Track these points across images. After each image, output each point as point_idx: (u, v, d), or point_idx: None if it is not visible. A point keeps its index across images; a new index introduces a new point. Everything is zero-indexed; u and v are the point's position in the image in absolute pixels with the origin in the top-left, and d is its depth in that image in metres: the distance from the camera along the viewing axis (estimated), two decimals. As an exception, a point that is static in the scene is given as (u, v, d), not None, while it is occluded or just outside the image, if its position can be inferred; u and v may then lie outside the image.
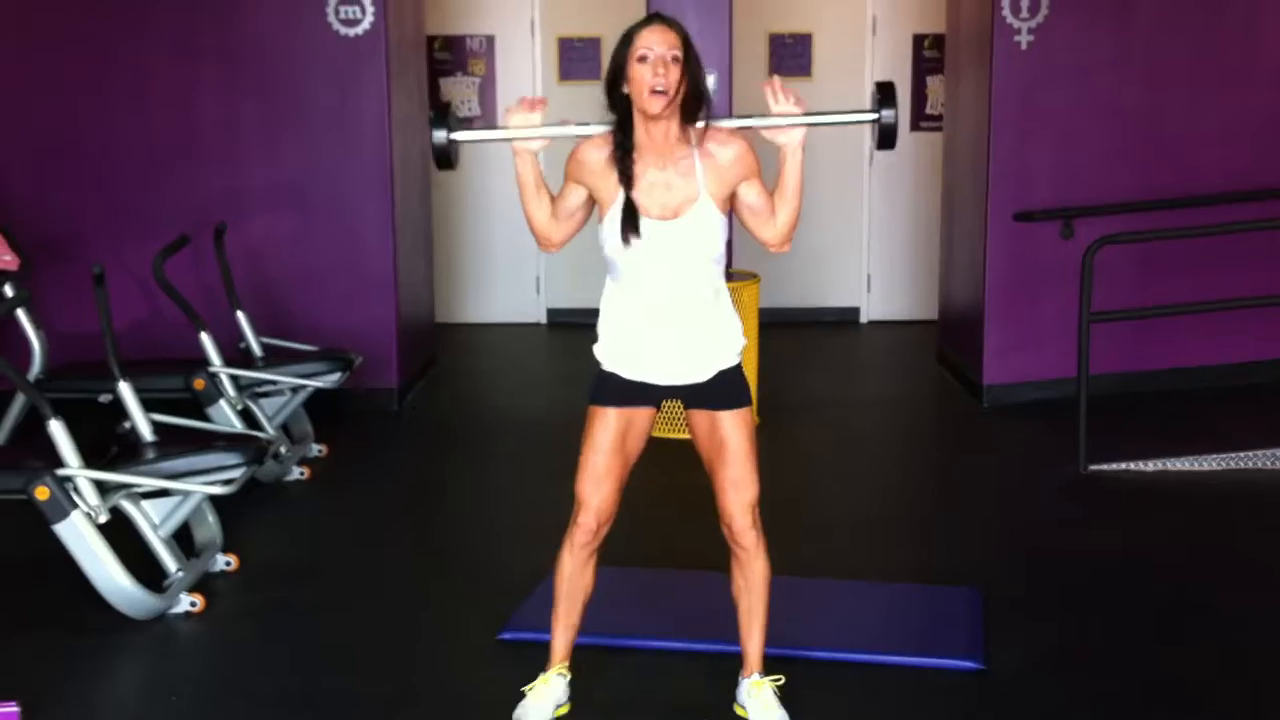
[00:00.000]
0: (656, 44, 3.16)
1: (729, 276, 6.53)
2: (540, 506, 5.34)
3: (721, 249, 3.28)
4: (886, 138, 3.31)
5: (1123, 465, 5.65)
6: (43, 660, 3.86)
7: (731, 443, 3.32)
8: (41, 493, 3.96)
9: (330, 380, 5.75)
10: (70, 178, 6.60)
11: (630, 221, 3.20)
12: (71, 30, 6.58)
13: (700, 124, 3.24)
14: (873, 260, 9.39)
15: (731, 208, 3.30)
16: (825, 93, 9.21)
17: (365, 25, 6.51)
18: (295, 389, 5.73)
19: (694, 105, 3.21)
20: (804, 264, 9.28)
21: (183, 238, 5.71)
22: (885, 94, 3.29)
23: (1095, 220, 6.52)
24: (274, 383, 5.67)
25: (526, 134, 3.25)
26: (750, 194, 3.28)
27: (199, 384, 5.37)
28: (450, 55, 9.13)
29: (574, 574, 3.39)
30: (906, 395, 7.45)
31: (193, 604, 4.18)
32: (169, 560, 4.25)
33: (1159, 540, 4.89)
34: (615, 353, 3.35)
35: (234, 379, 5.51)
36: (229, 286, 5.91)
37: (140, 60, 6.59)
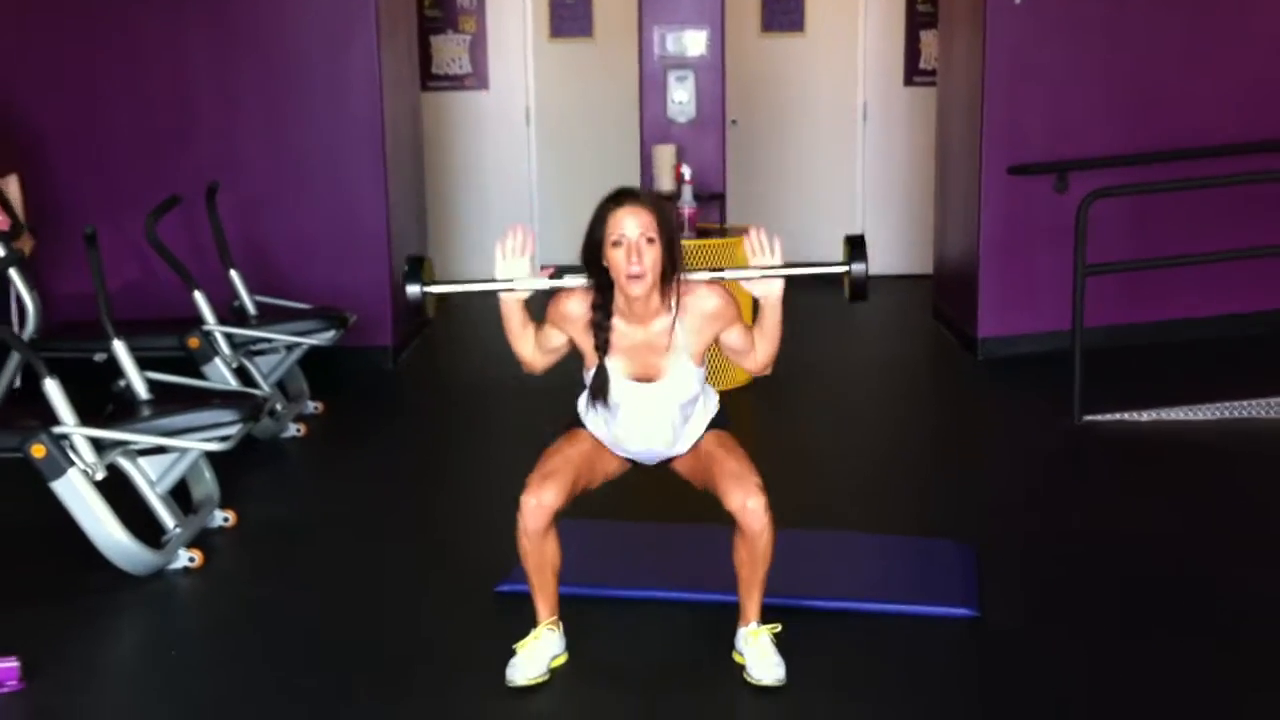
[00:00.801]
0: (630, 228, 3.22)
1: (723, 233, 6.55)
2: (534, 460, 5.35)
3: (699, 389, 3.41)
4: (856, 290, 3.39)
5: (1117, 416, 5.67)
6: (42, 616, 3.88)
7: (718, 455, 3.41)
8: (38, 450, 3.96)
9: (324, 338, 5.75)
10: (63, 140, 6.58)
11: (601, 389, 3.35)
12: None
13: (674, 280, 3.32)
14: (867, 215, 9.38)
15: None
16: (817, 49, 9.19)
17: (355, -18, 6.47)
18: (290, 347, 5.73)
19: (670, 271, 3.29)
20: (798, 220, 9.27)
21: (173, 198, 5.69)
22: (855, 248, 3.38)
23: (1089, 174, 6.51)
24: (268, 340, 5.67)
25: (507, 286, 3.35)
26: (732, 338, 3.39)
27: (194, 342, 5.37)
28: (441, 13, 9.08)
29: (533, 551, 3.43)
30: (901, 350, 7.46)
31: (191, 560, 4.20)
32: (167, 517, 4.26)
33: (1154, 490, 4.91)
34: (596, 434, 3.52)
35: (229, 337, 5.51)
36: (222, 246, 5.90)
37: (132, 23, 6.56)
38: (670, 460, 3.53)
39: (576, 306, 3.38)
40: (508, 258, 3.36)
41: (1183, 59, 6.79)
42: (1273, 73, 6.88)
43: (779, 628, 3.46)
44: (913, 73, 9.16)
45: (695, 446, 3.48)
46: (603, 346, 3.35)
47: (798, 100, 9.23)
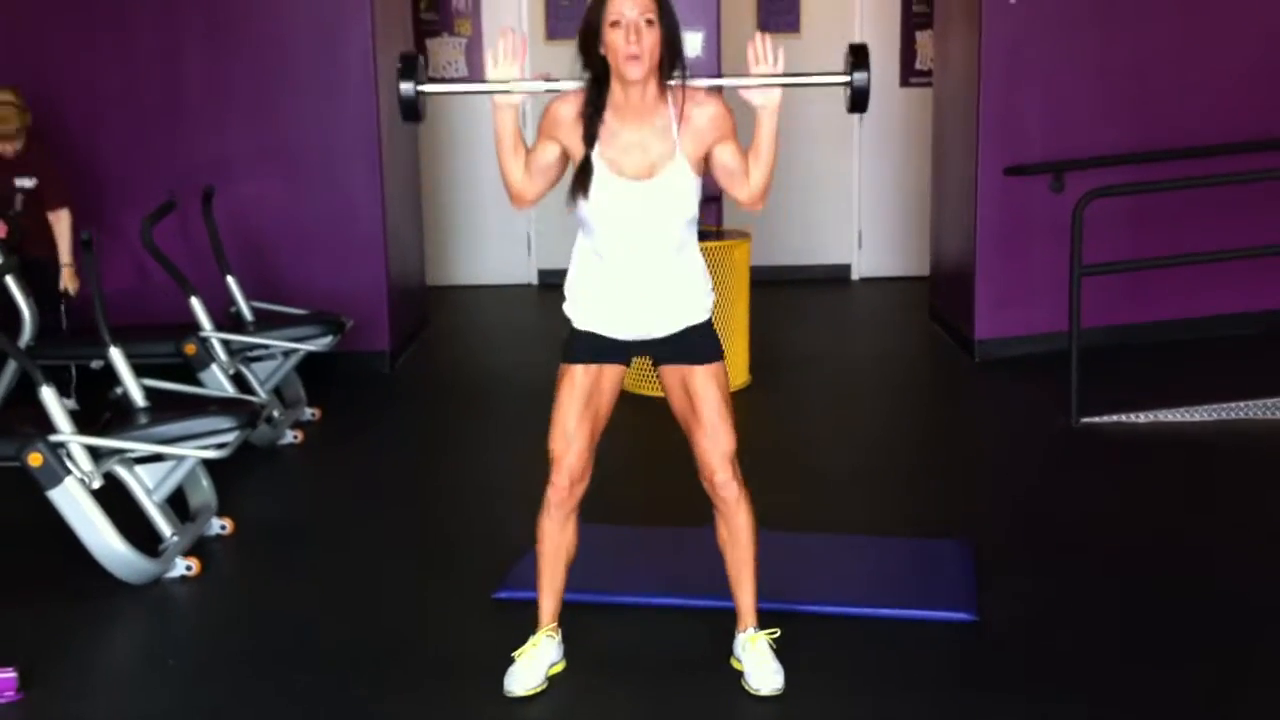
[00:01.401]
0: (629, 8, 3.13)
1: (720, 235, 6.54)
2: (533, 467, 5.32)
3: (694, 209, 3.28)
4: (858, 100, 3.33)
5: (1114, 418, 5.67)
6: (39, 625, 3.88)
7: (704, 397, 3.32)
8: (35, 459, 3.96)
9: (322, 344, 5.75)
10: (56, 144, 6.55)
11: (583, 181, 3.21)
12: (54, -6, 6.54)
13: (677, 83, 3.22)
14: (863, 217, 9.37)
15: (707, 168, 3.29)
16: (813, 49, 9.17)
17: (350, -14, 6.46)
18: (287, 353, 5.73)
19: (670, 64, 3.19)
20: (795, 221, 9.27)
21: (169, 202, 5.69)
22: (858, 57, 3.32)
23: (1085, 173, 6.51)
24: (265, 347, 5.67)
25: (501, 88, 3.22)
26: (725, 154, 3.27)
27: (190, 349, 5.36)
28: (436, 15, 9.07)
29: (554, 534, 3.41)
30: (898, 351, 7.46)
31: (188, 568, 4.19)
32: (163, 525, 4.26)
33: (1151, 492, 4.91)
34: (583, 309, 3.36)
35: (225, 343, 5.50)
36: (218, 251, 5.89)
37: (126, 26, 6.54)
38: (661, 359, 3.37)
39: (569, 109, 3.24)
40: (499, 62, 3.23)
41: (1179, 58, 6.78)
42: (1269, 71, 6.88)
43: (777, 633, 3.46)
44: (908, 73, 9.16)
45: (685, 361, 3.32)
46: (590, 138, 3.19)
47: (793, 101, 9.12)
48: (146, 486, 4.26)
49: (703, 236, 6.35)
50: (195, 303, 5.51)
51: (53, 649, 3.71)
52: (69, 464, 4.01)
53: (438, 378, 6.92)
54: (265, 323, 5.81)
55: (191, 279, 5.60)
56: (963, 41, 6.94)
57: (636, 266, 3.28)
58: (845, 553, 4.31)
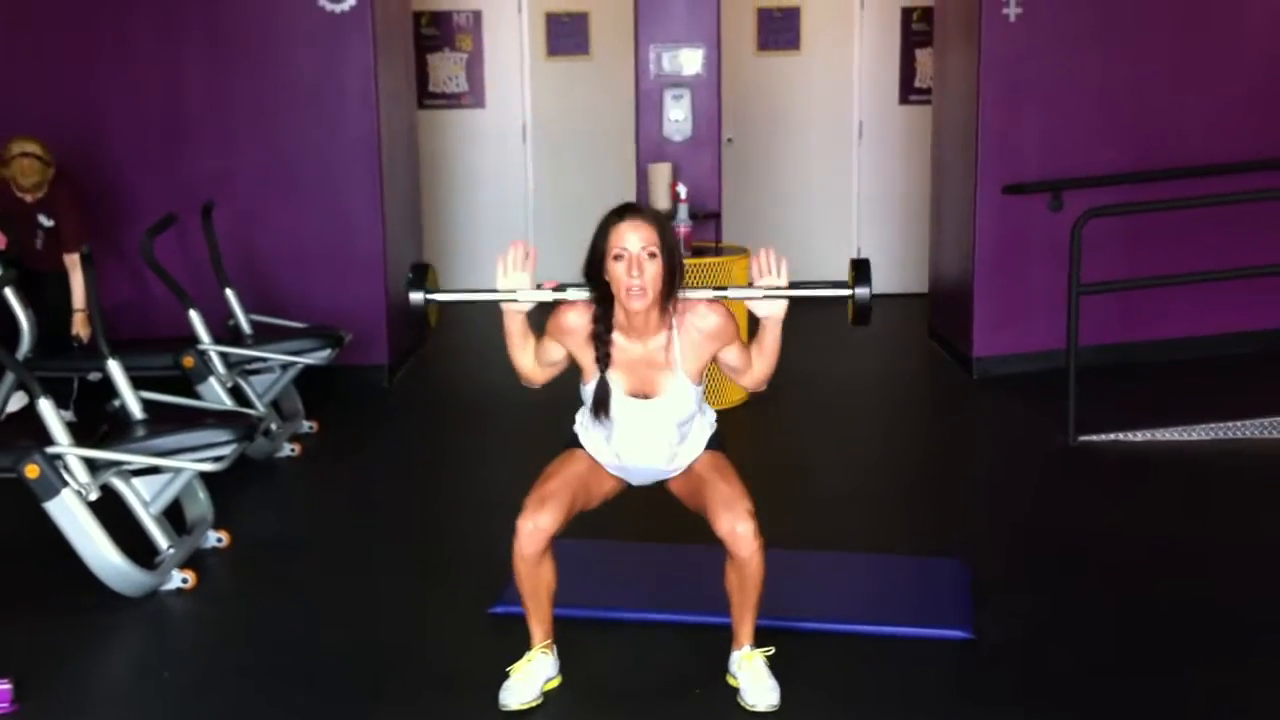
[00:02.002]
0: (632, 242, 3.22)
1: (719, 251, 6.55)
2: (530, 483, 5.34)
3: (694, 408, 3.39)
4: (860, 314, 3.43)
5: (1112, 436, 5.67)
6: (35, 637, 3.87)
7: (710, 474, 3.40)
8: (32, 471, 3.96)
9: (320, 357, 5.75)
10: (57, 158, 6.57)
11: (603, 405, 3.34)
12: (56, 10, 6.55)
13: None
14: (862, 233, 9.39)
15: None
16: (813, 68, 9.21)
17: (351, 1, 6.48)
18: (285, 366, 5.73)
19: (670, 290, 3.28)
20: (794, 238, 9.28)
21: (169, 216, 5.70)
22: (859, 271, 3.41)
23: (1084, 192, 6.52)
24: (263, 360, 5.67)
25: (509, 297, 3.33)
26: (730, 356, 3.39)
27: (188, 362, 5.36)
28: (437, 31, 9.10)
29: (529, 574, 3.42)
30: (897, 369, 7.46)
31: (184, 581, 4.19)
32: (160, 537, 4.25)
33: (1148, 510, 4.91)
34: (592, 450, 3.51)
35: (223, 356, 5.51)
36: (217, 264, 5.90)
37: (128, 40, 6.57)
38: (666, 480, 3.53)
39: (577, 319, 3.36)
40: (509, 271, 3.35)
41: (1177, 77, 6.81)
42: (1267, 91, 6.91)
43: (772, 650, 3.45)
44: (908, 91, 9.19)
45: (690, 467, 3.47)
46: (603, 360, 3.33)
47: (793, 119, 9.25)
48: (143, 499, 4.26)
49: (701, 253, 6.41)
50: (194, 316, 5.51)
51: (48, 660, 3.71)
52: (66, 476, 4.01)
53: (435, 392, 6.92)
54: (264, 336, 5.82)
55: (190, 292, 5.61)
56: (962, 60, 6.96)
57: (641, 451, 3.43)
58: (843, 570, 4.31)
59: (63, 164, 5.93)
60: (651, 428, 3.38)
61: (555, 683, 3.49)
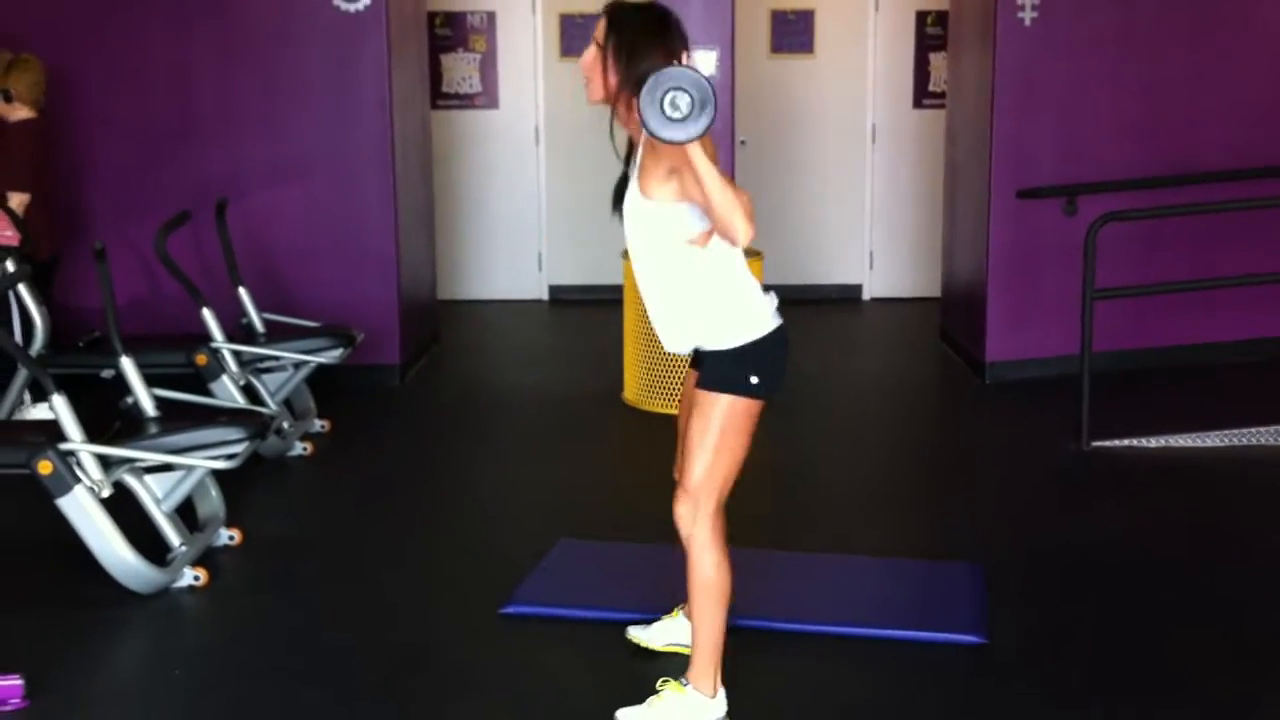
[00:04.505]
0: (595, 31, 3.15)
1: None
2: (541, 483, 5.35)
3: (664, 237, 3.12)
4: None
5: (1125, 442, 5.65)
6: (46, 634, 3.87)
7: (693, 423, 3.20)
8: (44, 467, 3.96)
9: (332, 356, 5.76)
10: (72, 156, 6.59)
11: (616, 197, 3.24)
12: (70, 8, 6.56)
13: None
14: (875, 237, 9.38)
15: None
16: (826, 71, 9.20)
17: (366, 1, 6.49)
18: (297, 365, 5.74)
19: (622, 83, 3.09)
20: (807, 241, 9.29)
21: (184, 214, 5.70)
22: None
23: (1098, 197, 6.50)
24: (276, 358, 5.67)
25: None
26: (687, 183, 3.02)
27: (201, 359, 5.37)
28: (451, 31, 9.10)
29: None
30: (909, 372, 7.45)
31: (196, 578, 4.19)
32: (172, 534, 4.26)
33: (1161, 517, 4.89)
34: None
35: (236, 354, 5.51)
36: (231, 262, 5.91)
37: (140, 39, 6.58)
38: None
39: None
40: None
41: (1193, 82, 6.79)
42: (1283, 97, 6.89)
43: (686, 687, 3.28)
44: (922, 95, 9.18)
45: (698, 383, 3.21)
46: (627, 156, 3.25)
47: (807, 121, 9.24)
48: (156, 496, 4.27)
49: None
50: (207, 314, 5.52)
51: (59, 657, 3.71)
52: (79, 472, 4.02)
53: (447, 392, 6.93)
54: (276, 335, 5.82)
55: (204, 290, 5.61)
56: (976, 64, 6.95)
57: (641, 279, 3.25)
58: (855, 574, 4.30)
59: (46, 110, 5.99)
60: (633, 240, 3.19)
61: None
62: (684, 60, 3.10)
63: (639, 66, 3.03)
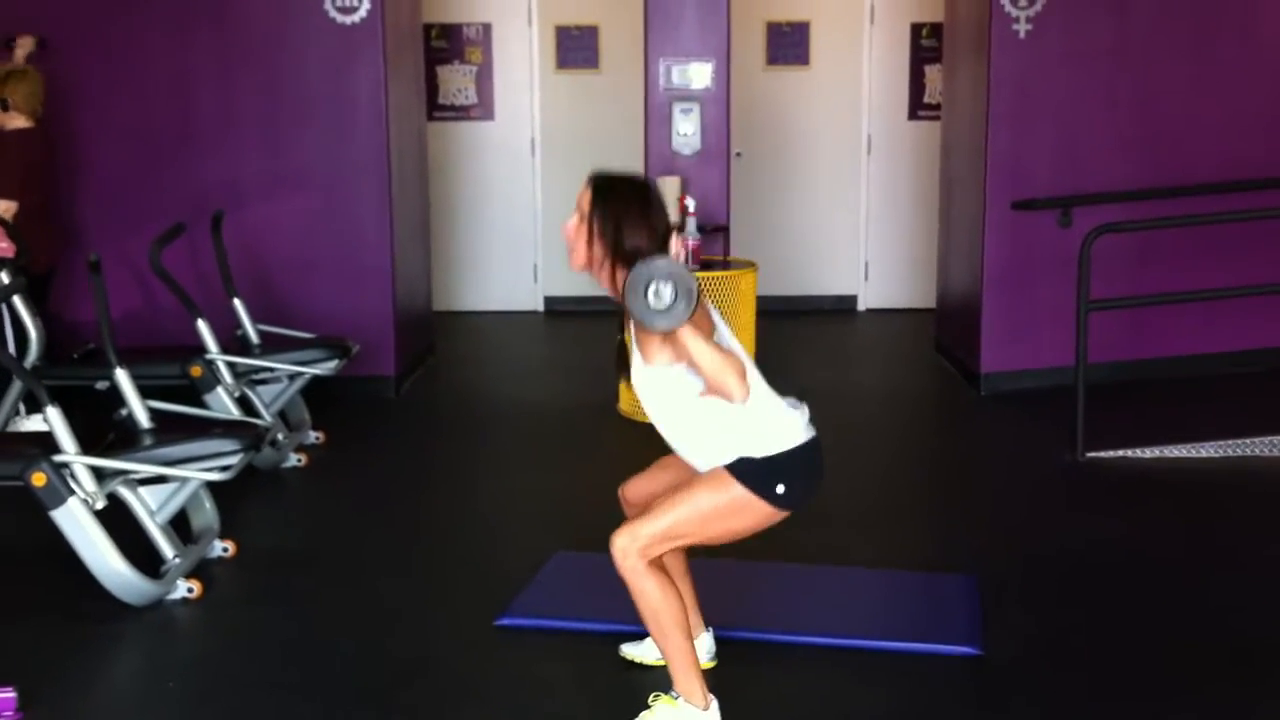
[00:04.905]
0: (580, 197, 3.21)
1: (727, 264, 6.55)
2: (537, 494, 5.35)
3: (675, 394, 3.18)
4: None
5: (1120, 452, 5.65)
6: (40, 646, 3.86)
7: (695, 485, 3.21)
8: (38, 479, 3.96)
9: (327, 368, 5.75)
10: (67, 167, 6.59)
11: (622, 366, 3.32)
12: (66, 19, 6.57)
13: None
14: (870, 248, 9.39)
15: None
16: (822, 83, 9.22)
17: (362, 13, 6.50)
18: (292, 376, 5.73)
19: (606, 254, 3.17)
20: (802, 252, 9.30)
21: (178, 226, 5.70)
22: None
23: (1093, 209, 6.51)
24: (271, 370, 5.67)
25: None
26: (670, 348, 3.13)
27: (196, 371, 5.36)
28: (447, 43, 9.12)
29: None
30: (904, 383, 7.45)
31: (190, 590, 4.18)
32: (166, 546, 4.25)
33: (1156, 527, 4.89)
34: None
35: (231, 366, 5.51)
36: (226, 274, 5.91)
37: (137, 50, 6.59)
38: None
39: None
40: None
41: (1188, 94, 6.80)
42: (1278, 108, 6.89)
43: (678, 700, 3.28)
44: (917, 107, 9.20)
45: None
46: (620, 325, 3.31)
47: (802, 133, 9.25)
48: (150, 508, 4.26)
49: (709, 266, 6.41)
50: (202, 325, 5.52)
51: (53, 669, 3.70)
52: (73, 484, 4.01)
53: (443, 403, 6.92)
54: (271, 346, 5.82)
55: (199, 302, 5.61)
56: (971, 76, 6.96)
57: (660, 426, 3.30)
58: (850, 585, 4.29)
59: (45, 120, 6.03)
60: (643, 399, 3.26)
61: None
62: (666, 232, 3.21)
63: (624, 244, 3.14)
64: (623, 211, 3.17)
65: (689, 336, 3.03)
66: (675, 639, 3.19)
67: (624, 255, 3.11)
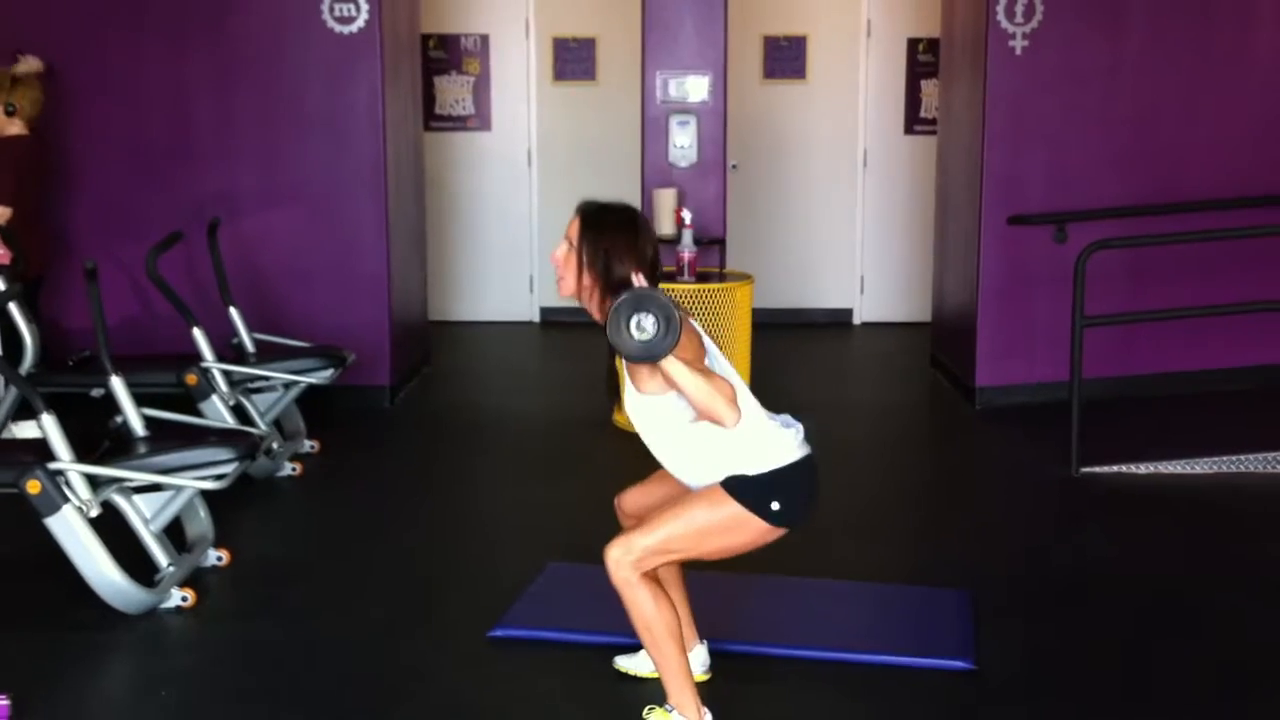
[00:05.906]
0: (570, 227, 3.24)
1: (723, 277, 6.55)
2: (530, 505, 5.34)
3: (668, 420, 3.20)
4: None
5: (1114, 468, 5.66)
6: (33, 654, 3.85)
7: (693, 500, 3.22)
8: (33, 486, 3.95)
9: (323, 377, 5.75)
10: (64, 176, 6.59)
11: (614, 391, 3.34)
12: (64, 27, 6.57)
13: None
14: (866, 262, 9.40)
15: None
16: (819, 96, 9.24)
17: (359, 23, 6.51)
18: (287, 385, 5.73)
19: (597, 285, 3.20)
20: (798, 265, 9.31)
21: (175, 234, 5.71)
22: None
23: (1088, 225, 6.53)
24: (266, 378, 5.67)
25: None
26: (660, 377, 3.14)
27: (191, 379, 5.36)
28: (445, 54, 9.13)
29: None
30: (899, 397, 7.46)
31: (184, 599, 4.17)
32: (160, 555, 4.24)
33: (1151, 543, 4.90)
34: None
35: (226, 374, 5.50)
36: (222, 283, 5.91)
37: (134, 59, 6.59)
38: None
39: None
40: None
41: (1183, 111, 6.82)
42: (1273, 125, 6.91)
43: (672, 713, 3.28)
44: (913, 121, 9.22)
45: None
46: (612, 354, 3.29)
47: (799, 147, 9.27)
48: (144, 516, 4.25)
49: (705, 278, 6.41)
50: (197, 333, 5.51)
51: (46, 677, 3.69)
52: (67, 492, 4.00)
53: (438, 413, 6.92)
54: (267, 355, 5.82)
55: (195, 310, 5.61)
56: (967, 91, 6.98)
57: (655, 450, 3.32)
58: (844, 599, 4.29)
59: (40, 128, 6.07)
60: (637, 426, 3.29)
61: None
62: (655, 261, 3.23)
63: (613, 274, 3.17)
64: (611, 241, 3.20)
65: (674, 367, 3.03)
66: (668, 650, 3.19)
67: (612, 285, 3.15)
